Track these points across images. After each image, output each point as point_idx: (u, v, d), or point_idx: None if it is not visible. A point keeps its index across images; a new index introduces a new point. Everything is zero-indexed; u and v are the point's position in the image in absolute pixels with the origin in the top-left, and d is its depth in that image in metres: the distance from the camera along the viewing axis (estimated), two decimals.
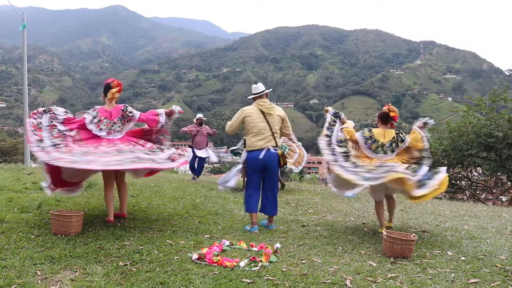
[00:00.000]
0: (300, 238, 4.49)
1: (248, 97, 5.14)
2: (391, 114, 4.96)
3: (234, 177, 5.30)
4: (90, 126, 4.85)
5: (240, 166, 5.69)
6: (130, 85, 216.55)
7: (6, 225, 4.34)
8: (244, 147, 6.60)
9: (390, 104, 5.14)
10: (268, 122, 4.78)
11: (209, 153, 10.10)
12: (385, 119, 5.01)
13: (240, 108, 5.04)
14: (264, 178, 4.86)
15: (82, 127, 4.87)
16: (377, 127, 5.12)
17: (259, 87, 4.97)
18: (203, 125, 10.18)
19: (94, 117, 4.89)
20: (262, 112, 4.80)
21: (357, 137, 5.02)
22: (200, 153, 9.92)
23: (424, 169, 4.54)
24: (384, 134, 4.95)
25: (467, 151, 11.21)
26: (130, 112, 4.97)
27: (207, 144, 10.22)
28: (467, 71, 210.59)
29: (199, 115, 10.22)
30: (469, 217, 6.09)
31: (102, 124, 4.86)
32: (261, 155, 4.71)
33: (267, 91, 4.94)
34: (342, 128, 5.10)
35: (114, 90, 4.92)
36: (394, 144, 4.90)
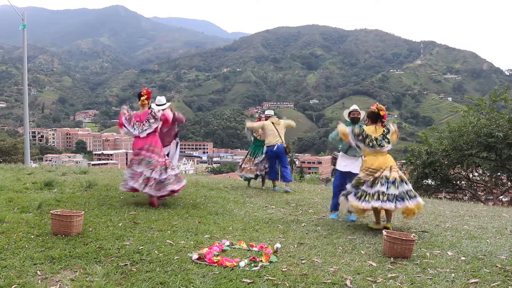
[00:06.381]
0: (300, 238, 4.49)
1: (265, 115, 8.33)
2: (381, 113, 5.07)
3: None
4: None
5: (262, 156, 8.21)
6: (130, 85, 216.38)
7: (6, 225, 4.34)
8: (251, 135, 8.67)
9: (377, 103, 5.27)
10: (277, 130, 7.99)
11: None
12: (374, 118, 5.13)
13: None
14: (279, 160, 8.08)
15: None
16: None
17: (271, 112, 8.30)
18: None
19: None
20: (274, 124, 8.04)
21: (347, 132, 5.17)
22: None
23: (406, 186, 4.84)
24: (375, 129, 5.10)
25: (467, 151, 11.21)
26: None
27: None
28: (467, 71, 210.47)
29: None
30: (469, 217, 6.09)
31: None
32: (274, 148, 7.93)
33: (273, 113, 8.26)
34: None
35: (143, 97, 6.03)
36: (387, 136, 5.05)
